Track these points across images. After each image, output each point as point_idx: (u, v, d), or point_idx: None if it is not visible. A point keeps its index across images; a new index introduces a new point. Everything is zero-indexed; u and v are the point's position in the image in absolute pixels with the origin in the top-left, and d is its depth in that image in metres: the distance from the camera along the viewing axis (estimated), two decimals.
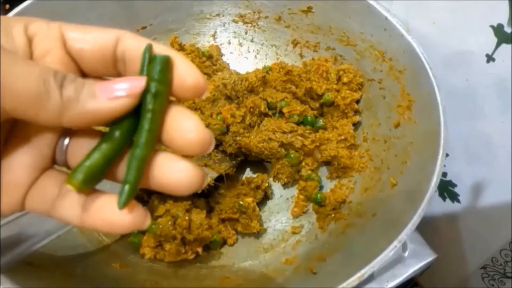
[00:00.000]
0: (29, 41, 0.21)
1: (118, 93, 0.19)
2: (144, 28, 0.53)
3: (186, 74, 0.20)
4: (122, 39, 0.21)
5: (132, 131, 0.20)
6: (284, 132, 0.46)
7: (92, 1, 0.48)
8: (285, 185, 0.48)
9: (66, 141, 0.21)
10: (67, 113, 0.19)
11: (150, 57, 0.20)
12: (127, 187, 0.19)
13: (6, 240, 0.29)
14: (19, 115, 0.18)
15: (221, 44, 0.56)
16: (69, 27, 0.21)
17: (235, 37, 0.56)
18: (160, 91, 0.19)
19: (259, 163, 0.49)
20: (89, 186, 0.20)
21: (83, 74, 0.22)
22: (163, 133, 0.20)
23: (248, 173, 0.49)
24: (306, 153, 0.47)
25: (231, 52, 0.57)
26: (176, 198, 0.42)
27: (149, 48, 0.20)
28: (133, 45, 0.21)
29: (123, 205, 0.19)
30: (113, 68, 0.22)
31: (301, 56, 0.54)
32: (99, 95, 0.19)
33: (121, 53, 0.21)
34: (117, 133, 0.20)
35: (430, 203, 0.34)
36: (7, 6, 0.61)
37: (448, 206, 0.58)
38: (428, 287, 0.67)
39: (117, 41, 0.21)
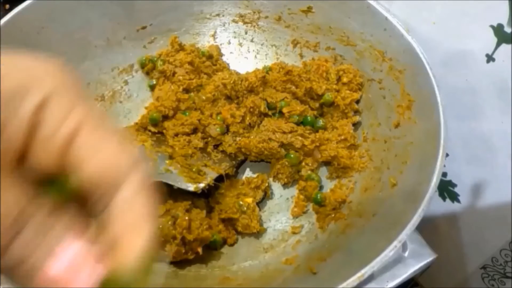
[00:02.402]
0: (31, 133, 0.16)
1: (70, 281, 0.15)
2: (144, 28, 0.53)
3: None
4: (125, 184, 0.16)
5: None
6: (284, 132, 0.46)
7: (92, 1, 0.48)
8: (285, 185, 0.48)
9: None
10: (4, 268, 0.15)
11: None
12: None
13: None
14: None
15: (221, 44, 0.56)
16: (86, 134, 0.16)
17: (235, 37, 0.56)
18: None
19: (259, 163, 0.49)
20: None
21: None
22: None
23: (248, 173, 0.49)
24: (306, 153, 0.47)
25: (231, 52, 0.56)
26: (176, 198, 0.42)
27: None
28: (125, 198, 0.16)
29: None
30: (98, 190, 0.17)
31: (301, 56, 0.54)
32: (48, 269, 0.15)
33: (113, 198, 0.16)
34: None
35: (430, 203, 0.34)
36: (7, 6, 0.61)
37: (448, 206, 0.58)
38: (428, 287, 0.67)
39: (119, 183, 0.16)
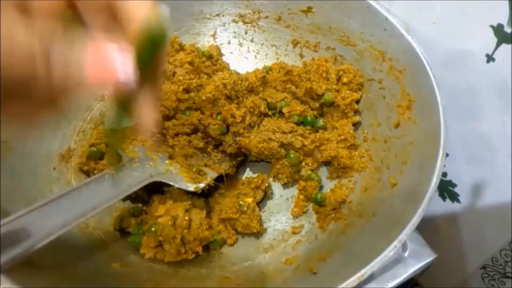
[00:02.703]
0: None
1: (107, 72, 0.19)
2: None
3: None
4: None
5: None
6: (284, 132, 0.46)
7: None
8: (285, 185, 0.48)
9: None
10: (56, 83, 0.19)
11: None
12: None
13: (6, 240, 0.29)
14: (10, 78, 0.18)
15: (221, 44, 0.56)
16: None
17: (235, 37, 0.56)
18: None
19: (259, 163, 0.49)
20: None
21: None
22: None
23: (248, 173, 0.49)
24: (306, 153, 0.47)
25: (231, 52, 0.56)
26: (176, 198, 0.42)
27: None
28: (129, 7, 0.21)
29: None
30: (113, 23, 0.22)
31: (301, 56, 0.54)
32: (88, 71, 0.19)
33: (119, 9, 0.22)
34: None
35: (430, 203, 0.34)
36: None
37: (448, 206, 0.59)
38: (428, 287, 0.67)
39: None
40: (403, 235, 0.32)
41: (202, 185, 0.43)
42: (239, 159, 0.48)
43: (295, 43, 0.54)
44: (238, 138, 0.46)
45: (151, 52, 0.21)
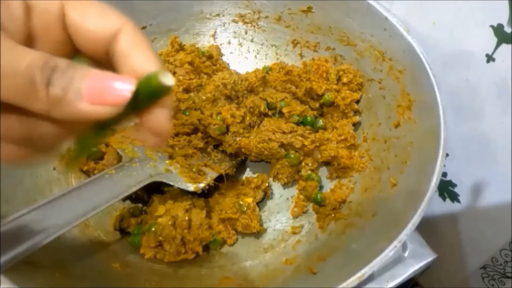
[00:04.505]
0: (28, 13, 0.20)
1: (105, 97, 0.19)
2: (144, 28, 0.53)
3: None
4: (120, 34, 0.21)
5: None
6: (284, 133, 0.46)
7: None
8: (285, 185, 0.48)
9: None
10: (54, 110, 0.19)
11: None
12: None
13: (6, 240, 0.29)
14: (10, 101, 0.19)
15: (221, 44, 0.56)
16: (71, 3, 0.21)
17: (235, 37, 0.56)
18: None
19: (259, 163, 0.49)
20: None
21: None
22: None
23: (248, 173, 0.49)
24: (306, 153, 0.47)
25: (231, 52, 0.56)
26: (176, 198, 0.42)
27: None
28: (127, 43, 0.21)
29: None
30: (106, 56, 0.22)
31: (301, 56, 0.54)
32: (85, 97, 0.19)
33: (115, 49, 0.21)
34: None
35: (430, 203, 0.34)
36: None
37: (448, 206, 0.58)
38: (428, 287, 0.67)
39: (115, 35, 0.21)
40: (403, 235, 0.33)
41: (202, 185, 0.43)
42: (239, 159, 0.48)
43: (295, 43, 0.54)
44: (238, 138, 0.46)
45: (147, 100, 0.21)
